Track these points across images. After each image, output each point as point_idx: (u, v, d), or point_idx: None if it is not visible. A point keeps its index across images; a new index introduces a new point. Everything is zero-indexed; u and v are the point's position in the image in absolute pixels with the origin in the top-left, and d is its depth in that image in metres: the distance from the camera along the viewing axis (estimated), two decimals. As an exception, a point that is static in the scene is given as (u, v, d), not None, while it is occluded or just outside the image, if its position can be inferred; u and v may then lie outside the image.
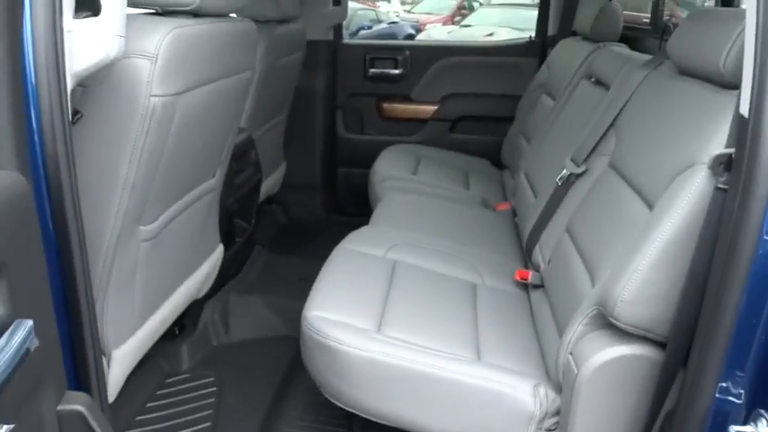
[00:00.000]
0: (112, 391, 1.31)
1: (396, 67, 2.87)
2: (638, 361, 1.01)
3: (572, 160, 1.58)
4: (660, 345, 1.01)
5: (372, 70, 2.88)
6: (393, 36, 11.03)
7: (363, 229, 1.80)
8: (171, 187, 1.31)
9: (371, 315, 1.34)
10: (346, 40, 2.95)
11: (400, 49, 2.87)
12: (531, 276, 1.58)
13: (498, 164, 2.73)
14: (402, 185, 2.25)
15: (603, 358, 1.02)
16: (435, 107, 2.87)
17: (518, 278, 1.61)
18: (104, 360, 1.27)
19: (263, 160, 2.44)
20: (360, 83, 2.90)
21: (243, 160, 2.09)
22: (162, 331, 1.51)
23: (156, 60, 1.06)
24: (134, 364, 1.39)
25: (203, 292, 1.79)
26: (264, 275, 2.24)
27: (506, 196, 2.37)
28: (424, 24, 12.90)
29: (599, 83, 1.79)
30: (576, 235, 1.41)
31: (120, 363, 1.30)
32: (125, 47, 1.03)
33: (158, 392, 1.69)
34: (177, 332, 1.84)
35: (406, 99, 2.91)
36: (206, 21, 1.22)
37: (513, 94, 2.71)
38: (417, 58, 2.87)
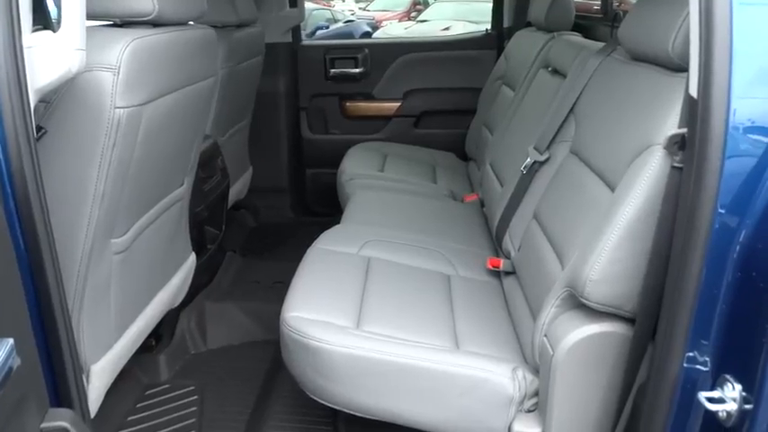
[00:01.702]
0: (93, 407, 1.29)
1: (356, 66, 2.88)
2: (609, 338, 1.05)
3: (535, 148, 1.62)
4: (630, 321, 1.05)
5: (333, 70, 2.88)
6: (350, 35, 11.02)
7: (335, 229, 1.81)
8: (140, 197, 1.31)
9: (349, 312, 1.35)
10: (305, 41, 2.95)
11: (359, 47, 2.89)
12: (502, 264, 1.62)
13: (464, 156, 2.77)
14: (370, 183, 2.27)
15: (577, 337, 1.06)
16: (398, 104, 2.89)
17: (490, 266, 1.64)
18: (83, 375, 1.26)
19: (229, 166, 2.43)
20: (321, 83, 2.91)
21: (210, 167, 2.08)
22: (139, 343, 1.50)
23: (118, 72, 1.06)
24: (113, 378, 1.38)
25: (178, 301, 1.78)
26: (238, 281, 2.24)
27: (473, 187, 2.41)
28: (381, 21, 12.93)
29: (556, 72, 1.84)
30: (544, 221, 1.45)
31: (99, 377, 1.29)
32: (86, 60, 1.02)
33: (138, 405, 1.68)
34: (154, 343, 1.82)
35: (369, 97, 2.93)
36: (165, 30, 1.22)
37: (474, 86, 2.76)
38: (377, 55, 2.89)
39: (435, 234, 1.84)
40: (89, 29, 1.13)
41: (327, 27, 11.25)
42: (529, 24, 2.45)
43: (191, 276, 1.81)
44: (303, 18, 2.87)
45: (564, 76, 1.74)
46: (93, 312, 1.23)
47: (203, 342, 1.95)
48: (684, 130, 0.91)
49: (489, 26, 2.96)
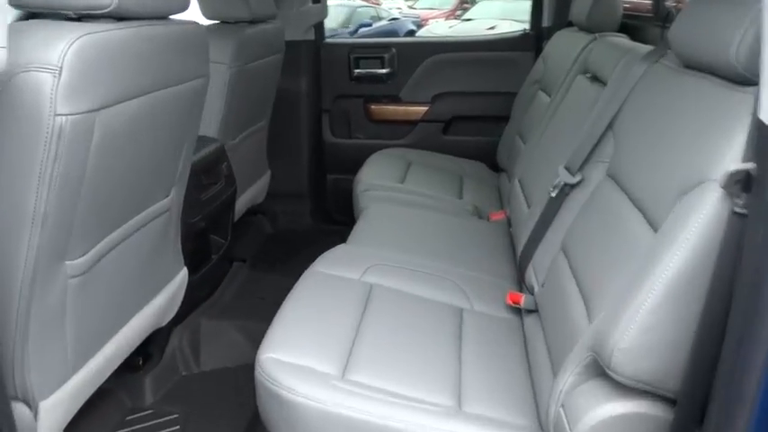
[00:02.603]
0: None
1: (382, 67, 2.69)
2: (641, 421, 0.84)
3: (566, 168, 1.40)
4: (669, 401, 0.83)
5: (357, 70, 2.70)
6: (394, 33, 10.85)
7: (338, 249, 1.63)
8: (102, 215, 1.15)
9: (337, 354, 1.17)
10: (329, 39, 2.78)
11: (386, 47, 2.69)
12: (523, 300, 1.40)
13: (495, 167, 2.55)
14: (387, 195, 2.08)
15: (600, 416, 0.85)
16: (426, 108, 2.69)
17: (510, 302, 1.43)
18: (30, 413, 1.12)
19: (243, 170, 2.29)
20: (345, 84, 2.73)
21: (213, 173, 1.93)
22: (107, 372, 1.35)
23: (59, 73, 0.90)
24: (71, 414, 1.23)
25: (165, 320, 1.64)
26: (241, 296, 2.08)
27: (503, 203, 2.19)
28: (426, 20, 12.71)
29: (595, 78, 1.61)
30: (572, 255, 1.23)
31: (50, 414, 1.14)
32: (20, 58, 0.87)
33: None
34: (141, 362, 1.68)
35: (395, 100, 2.73)
36: (129, 25, 1.06)
37: (509, 91, 2.53)
38: (405, 55, 2.69)
39: (451, 259, 1.64)
40: (37, 22, 0.98)
41: (371, 25, 11.11)
42: (570, 24, 2.21)
43: (182, 292, 1.66)
44: (326, 14, 2.69)
45: (604, 83, 1.51)
46: (40, 343, 1.08)
47: (196, 363, 1.79)
48: (751, 165, 0.69)
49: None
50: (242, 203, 2.39)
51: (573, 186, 1.36)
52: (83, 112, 0.94)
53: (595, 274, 1.07)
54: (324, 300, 1.37)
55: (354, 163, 2.43)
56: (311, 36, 2.65)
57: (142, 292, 1.44)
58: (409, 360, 1.19)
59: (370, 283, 1.47)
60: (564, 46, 2.10)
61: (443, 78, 2.68)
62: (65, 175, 0.96)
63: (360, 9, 12.10)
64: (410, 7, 16.03)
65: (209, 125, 2.03)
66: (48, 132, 0.91)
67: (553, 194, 1.41)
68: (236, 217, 2.36)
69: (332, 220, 2.87)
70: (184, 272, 1.66)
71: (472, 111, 2.67)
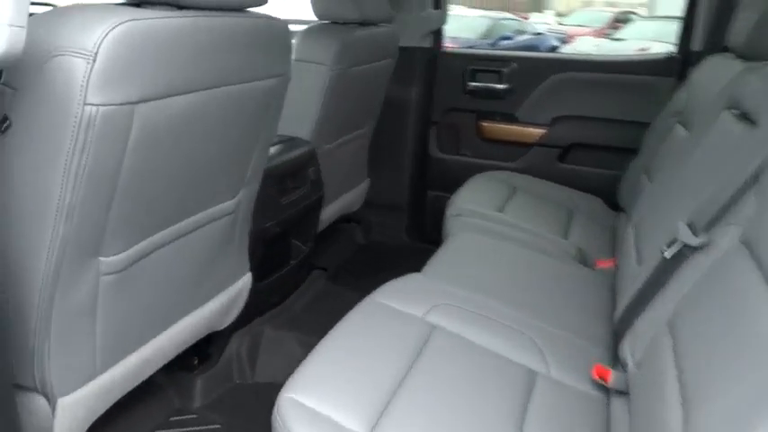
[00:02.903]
0: None
1: (500, 82, 2.48)
2: None
3: (689, 225, 1.12)
4: None
5: (472, 83, 2.51)
6: (535, 48, 10.47)
7: (409, 278, 1.46)
8: (146, 215, 1.08)
9: (370, 406, 1.01)
10: (447, 48, 2.61)
11: (506, 60, 2.48)
12: (612, 378, 1.15)
13: (614, 205, 2.24)
14: (479, 224, 1.87)
15: None
16: (544, 130, 2.44)
17: (596, 376, 1.19)
18: (49, 407, 1.07)
19: (338, 176, 2.20)
20: (458, 97, 2.56)
21: (299, 177, 1.85)
22: (145, 374, 1.29)
23: (93, 60, 0.82)
24: (97, 412, 1.18)
25: (224, 325, 1.57)
26: (311, 308, 1.98)
27: (615, 249, 1.90)
28: (573, 36, 12.15)
29: (744, 117, 1.30)
30: (679, 339, 0.97)
31: (70, 411, 1.09)
32: (58, 41, 0.80)
33: (156, 431, 1.49)
34: (196, 362, 1.63)
35: (510, 119, 2.51)
36: (188, 14, 0.97)
37: (641, 120, 2.22)
38: (526, 71, 2.46)
39: (536, 310, 1.41)
40: (82, 5, 0.91)
41: (512, 38, 10.80)
42: (726, 50, 1.87)
43: (243, 297, 1.58)
44: (445, 21, 2.53)
45: (755, 124, 1.21)
46: (64, 339, 1.03)
47: (251, 372, 1.71)
48: None
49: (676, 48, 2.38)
50: (334, 210, 2.30)
51: (694, 250, 1.09)
52: (117, 104, 0.86)
53: (705, 374, 0.82)
54: (374, 336, 1.21)
55: (458, 181, 2.25)
56: (428, 43, 2.50)
57: (196, 293, 1.37)
58: (457, 427, 1.00)
59: (432, 323, 1.29)
60: (714, 74, 1.77)
61: (566, 100, 2.41)
62: (94, 169, 0.89)
63: (503, 21, 11.83)
64: (559, 23, 15.45)
65: (303, 127, 1.96)
66: (76, 122, 0.84)
67: (667, 254, 1.14)
68: (326, 223, 2.28)
69: (428, 238, 2.70)
70: (248, 277, 1.58)
71: (595, 139, 2.38)
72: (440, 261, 1.59)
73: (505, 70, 2.46)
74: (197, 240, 1.29)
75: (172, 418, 1.54)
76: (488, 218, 1.89)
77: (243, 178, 1.37)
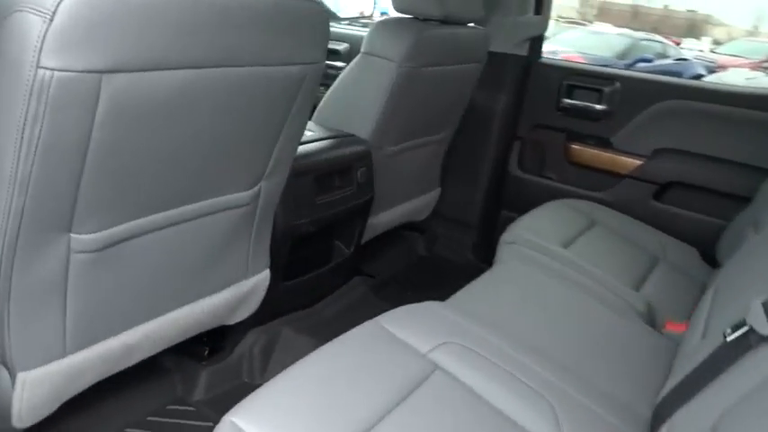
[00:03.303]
0: (17, 417, 1.06)
1: (599, 102, 2.21)
2: None
3: (764, 305, 0.87)
4: None
5: (567, 100, 2.27)
6: (677, 74, 9.65)
7: (426, 306, 1.30)
8: (131, 196, 1.01)
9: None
10: (545, 58, 2.38)
11: (609, 79, 2.20)
12: (631, 475, 0.93)
13: (711, 259, 1.91)
14: (534, 256, 1.66)
15: None
16: (640, 162, 2.14)
17: (613, 466, 0.96)
18: (9, 378, 1.03)
19: (403, 181, 2.08)
20: (549, 113, 2.32)
21: (345, 177, 1.73)
22: (128, 361, 1.23)
23: (50, 19, 0.75)
24: (67, 393, 1.13)
25: (234, 320, 1.49)
26: (343, 315, 1.86)
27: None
28: (724, 66, 11.11)
29: None
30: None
31: (32, 388, 1.04)
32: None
33: (149, 418, 1.44)
34: (206, 353, 1.57)
35: (604, 144, 2.23)
36: None
37: (758, 165, 1.87)
38: (631, 93, 2.17)
39: (568, 370, 1.19)
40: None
41: (651, 61, 10.06)
42: None
43: (258, 294, 1.49)
44: (546, 28, 2.29)
45: None
46: (25, 313, 0.98)
47: (261, 373, 1.62)
48: None
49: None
50: (395, 215, 2.18)
51: (761, 339, 0.84)
52: (78, 71, 0.78)
53: None
54: (362, 365, 1.06)
55: (535, 204, 2.03)
56: (523, 51, 2.29)
57: (197, 284, 1.30)
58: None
59: (436, 362, 1.12)
60: None
61: (673, 130, 2.10)
62: (52, 141, 0.82)
63: (644, 42, 11.07)
64: (713, 51, 14.24)
65: (363, 126, 1.84)
66: (27, 86, 0.77)
67: (729, 337, 0.90)
68: (384, 228, 2.15)
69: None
70: (265, 274, 1.49)
71: (701, 179, 2.04)
72: (470, 292, 1.40)
73: (607, 89, 2.19)
74: (200, 230, 1.21)
75: (169, 407, 1.49)
76: (546, 251, 1.67)
77: (262, 170, 1.28)
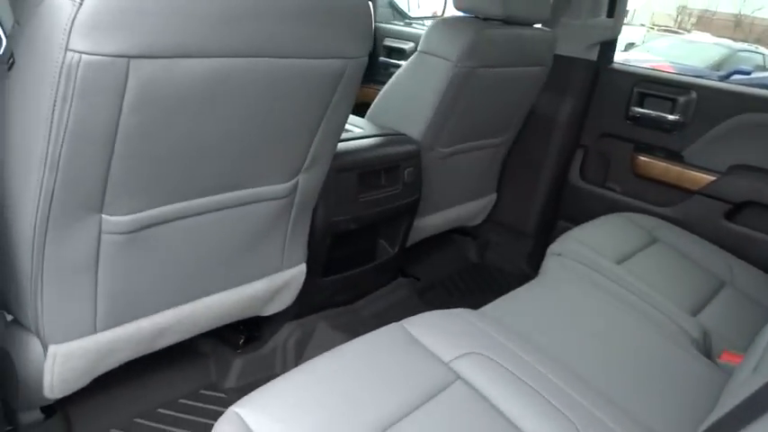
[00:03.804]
0: (49, 389, 1.11)
1: (672, 112, 2.08)
2: None
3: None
4: None
5: (637, 109, 2.14)
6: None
7: (457, 312, 1.25)
8: (164, 181, 1.03)
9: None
10: (616, 64, 2.26)
11: (685, 87, 2.06)
12: None
13: (786, 287, 1.75)
14: (582, 271, 1.57)
15: None
16: (713, 178, 2.00)
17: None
18: (41, 350, 1.08)
19: (455, 184, 2.04)
20: (617, 122, 2.20)
21: (391, 176, 1.71)
22: (161, 342, 1.27)
23: (80, 3, 0.77)
24: (99, 368, 1.18)
25: (268, 312, 1.50)
26: (381, 316, 1.84)
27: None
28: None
29: None
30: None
31: (62, 360, 1.09)
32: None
33: (181, 400, 1.48)
34: (241, 343, 1.60)
35: (675, 157, 2.09)
36: None
37: None
38: (708, 103, 2.02)
39: (601, 393, 1.11)
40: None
41: (749, 73, 9.44)
42: None
43: (293, 288, 1.50)
44: (618, 32, 2.17)
45: None
46: (57, 289, 1.03)
47: (293, 365, 1.63)
48: None
49: None
50: (445, 218, 2.14)
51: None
52: (106, 55, 0.81)
53: None
54: (379, 368, 1.04)
55: (595, 216, 1.94)
56: (593, 56, 2.18)
57: (230, 273, 1.31)
58: None
59: (458, 372, 1.07)
60: None
61: (753, 146, 1.94)
62: (81, 123, 0.85)
63: (743, 53, 10.41)
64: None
65: (415, 125, 1.82)
66: (56, 68, 0.80)
67: (775, 375, 0.81)
68: (433, 231, 2.12)
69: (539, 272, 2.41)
70: (301, 268, 1.49)
71: (781, 201, 1.88)
72: (505, 302, 1.34)
73: (681, 99, 2.06)
74: (235, 219, 1.23)
75: (201, 391, 1.52)
76: (595, 265, 1.58)
77: (300, 164, 1.28)
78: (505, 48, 1.82)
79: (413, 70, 1.81)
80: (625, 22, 2.22)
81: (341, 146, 1.59)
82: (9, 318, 1.16)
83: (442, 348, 1.12)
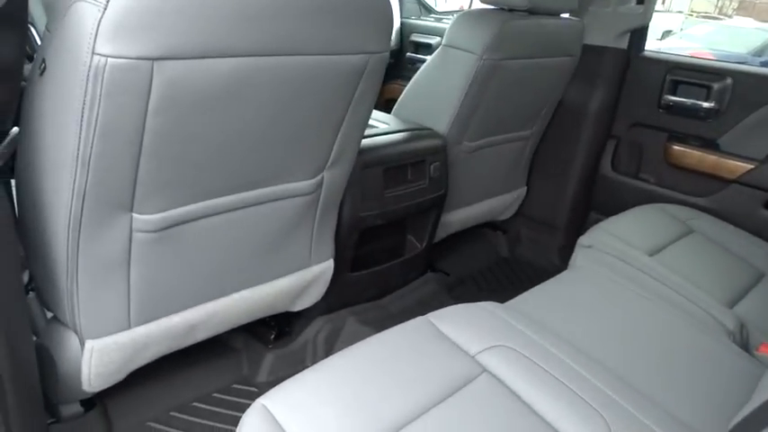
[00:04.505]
0: (87, 382, 1.15)
1: (707, 99, 2.02)
2: None
3: None
4: None
5: (670, 97, 2.09)
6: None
7: (483, 306, 1.25)
8: (188, 179, 1.05)
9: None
10: (647, 52, 2.20)
11: (720, 73, 2.00)
12: None
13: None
14: (612, 263, 1.54)
15: None
16: (751, 166, 1.93)
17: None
18: (78, 345, 1.12)
19: (483, 178, 2.04)
20: (650, 111, 2.15)
21: (416, 171, 1.71)
22: (191, 338, 1.30)
23: (104, 8, 0.80)
24: (138, 363, 1.22)
25: (298, 307, 1.53)
26: (410, 311, 1.84)
27: (799, 335, 1.42)
28: None
29: None
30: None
31: (99, 355, 1.13)
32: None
33: (215, 394, 1.51)
34: (272, 338, 1.62)
35: (710, 145, 2.04)
36: None
37: None
38: (744, 90, 1.96)
39: (629, 385, 1.10)
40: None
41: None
42: None
43: (321, 284, 1.52)
44: (649, 19, 2.12)
45: None
46: (91, 286, 1.06)
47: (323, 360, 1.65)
48: None
49: None
50: (474, 213, 2.13)
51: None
52: (130, 57, 0.83)
53: None
54: (405, 361, 1.05)
55: (627, 207, 1.91)
56: (623, 44, 2.14)
57: (258, 270, 1.34)
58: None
59: (483, 365, 1.07)
60: None
61: (792, 133, 1.88)
62: (109, 124, 0.88)
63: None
64: None
65: (441, 120, 1.81)
66: (84, 72, 0.82)
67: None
68: (462, 226, 2.12)
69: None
70: (329, 264, 1.50)
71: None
72: (533, 295, 1.33)
73: (716, 86, 2.00)
74: (262, 216, 1.25)
75: (234, 385, 1.55)
76: (627, 257, 1.55)
77: (324, 160, 1.29)
78: (531, 39, 1.80)
79: (438, 64, 1.81)
80: (662, 8, 2.16)
81: (366, 141, 1.59)
82: (49, 315, 1.21)
83: (467, 341, 1.12)
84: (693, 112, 2.05)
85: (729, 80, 1.98)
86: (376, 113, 1.85)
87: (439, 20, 3.18)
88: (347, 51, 1.11)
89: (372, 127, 1.74)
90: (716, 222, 1.87)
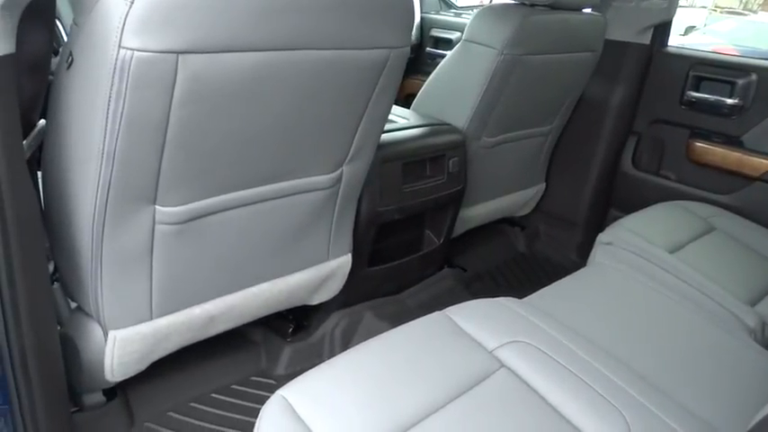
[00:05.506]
0: (110, 372, 1.18)
1: (731, 95, 1.99)
2: None
3: None
4: None
5: (693, 93, 2.06)
6: None
7: (501, 301, 1.25)
8: (213, 173, 1.06)
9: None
10: (670, 47, 2.18)
11: (744, 69, 1.97)
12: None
13: None
14: (632, 260, 1.53)
15: None
16: (776, 163, 1.91)
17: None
18: (102, 335, 1.14)
19: (502, 174, 2.03)
20: (672, 107, 2.13)
21: (434, 166, 1.72)
22: (213, 329, 1.32)
23: (131, 2, 0.81)
24: (159, 354, 1.24)
25: (316, 301, 1.54)
26: (427, 306, 1.84)
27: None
28: None
29: None
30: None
31: (123, 346, 1.15)
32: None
33: (233, 386, 1.53)
34: (290, 331, 1.64)
35: (734, 142, 2.01)
36: None
37: None
38: (768, 86, 1.93)
39: (647, 382, 1.09)
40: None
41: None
42: None
43: (340, 278, 1.53)
44: (673, 14, 2.09)
45: None
46: (115, 276, 1.08)
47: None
48: None
49: None
50: (492, 208, 2.13)
51: None
52: (156, 51, 0.84)
53: None
54: (423, 356, 1.05)
55: (648, 206, 1.89)
56: (646, 39, 2.11)
57: (277, 262, 1.35)
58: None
59: (501, 360, 1.07)
60: None
61: (818, 130, 1.84)
62: (135, 117, 0.89)
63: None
64: None
65: (460, 115, 1.81)
66: (111, 65, 0.84)
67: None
68: (480, 221, 2.11)
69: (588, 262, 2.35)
70: (347, 258, 1.51)
71: None
72: (551, 291, 1.33)
73: (740, 82, 1.97)
74: (281, 210, 1.26)
75: (252, 378, 1.57)
76: (647, 254, 1.54)
77: (344, 154, 1.30)
78: (552, 34, 1.78)
79: (457, 59, 1.81)
80: (685, 4, 2.14)
81: (385, 136, 1.60)
82: (73, 305, 1.23)
83: (485, 336, 1.12)
84: (717, 109, 2.02)
85: (754, 76, 1.94)
86: (395, 109, 1.85)
87: (459, 15, 3.17)
88: (369, 46, 1.11)
89: (392, 122, 1.74)
90: (738, 220, 1.84)
